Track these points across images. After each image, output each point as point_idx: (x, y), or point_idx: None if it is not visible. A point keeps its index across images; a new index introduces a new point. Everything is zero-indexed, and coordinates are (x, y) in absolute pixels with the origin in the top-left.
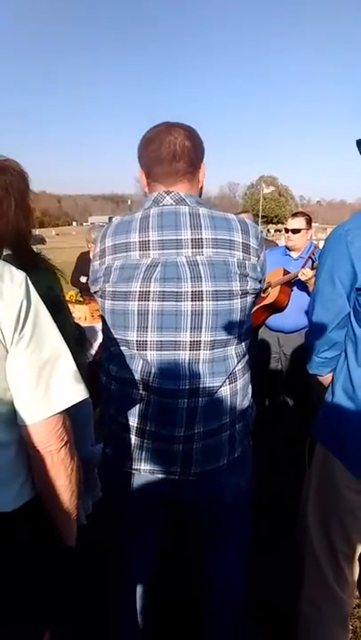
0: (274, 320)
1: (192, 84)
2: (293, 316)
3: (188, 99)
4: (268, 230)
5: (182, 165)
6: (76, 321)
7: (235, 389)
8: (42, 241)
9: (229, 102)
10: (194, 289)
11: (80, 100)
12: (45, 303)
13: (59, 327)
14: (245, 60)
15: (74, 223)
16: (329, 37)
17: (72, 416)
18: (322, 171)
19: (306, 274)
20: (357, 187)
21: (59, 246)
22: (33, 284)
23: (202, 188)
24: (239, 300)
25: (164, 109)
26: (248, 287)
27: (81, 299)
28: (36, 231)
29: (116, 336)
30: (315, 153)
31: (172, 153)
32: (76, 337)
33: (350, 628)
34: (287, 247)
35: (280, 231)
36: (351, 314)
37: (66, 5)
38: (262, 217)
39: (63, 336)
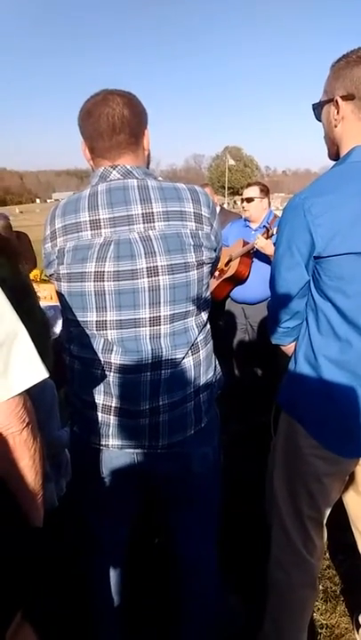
0: (238, 292)
1: (154, 55)
2: (257, 287)
3: (150, 70)
4: (234, 202)
5: (124, 137)
6: (42, 300)
7: (198, 360)
8: (6, 220)
9: (192, 73)
10: (149, 265)
11: (38, 72)
12: (12, 287)
13: (26, 312)
14: (206, 31)
15: (37, 200)
16: (288, 4)
17: (35, 399)
18: (287, 141)
19: (259, 242)
20: (322, 155)
21: (24, 224)
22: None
23: (149, 155)
24: (195, 272)
25: (124, 79)
26: (204, 257)
27: (46, 277)
28: None
29: (75, 317)
30: (280, 123)
31: (111, 126)
32: (43, 321)
33: (321, 588)
34: (246, 218)
35: None
36: (311, 282)
37: None
38: (228, 188)
39: (31, 321)
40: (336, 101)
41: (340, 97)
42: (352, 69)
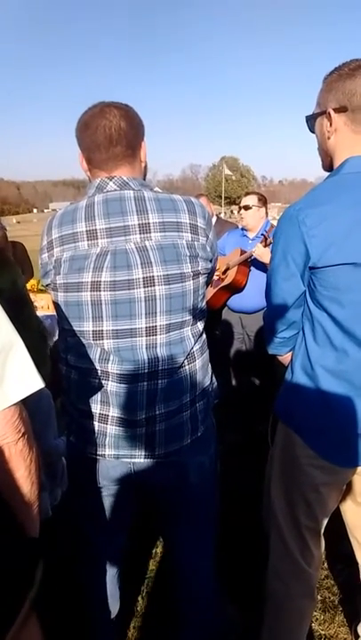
0: (235, 301)
1: (150, 65)
2: (254, 296)
3: (146, 80)
4: (231, 211)
5: (120, 149)
6: (39, 309)
7: (194, 369)
8: (3, 230)
9: (188, 83)
10: (145, 275)
11: (33, 81)
12: (9, 298)
13: (22, 321)
14: (202, 40)
15: (34, 210)
16: (285, 13)
17: (31, 408)
18: (283, 151)
19: (257, 250)
20: (318, 165)
21: (21, 234)
22: None
23: (146, 166)
24: (191, 282)
25: (120, 90)
26: (199, 268)
27: (43, 287)
28: None
29: (71, 327)
30: (276, 133)
31: (108, 138)
32: (40, 331)
33: (320, 598)
34: (243, 228)
35: None
36: (306, 293)
37: None
38: (225, 198)
39: (28, 331)
40: (329, 113)
41: (333, 109)
42: (344, 82)
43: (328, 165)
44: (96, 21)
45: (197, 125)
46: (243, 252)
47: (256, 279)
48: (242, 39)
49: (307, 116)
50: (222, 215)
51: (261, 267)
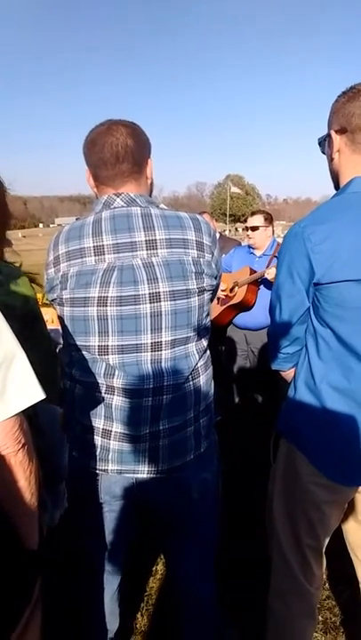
0: (241, 318)
1: (157, 83)
2: (260, 313)
3: (153, 97)
4: (235, 229)
5: (127, 166)
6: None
7: (198, 385)
8: (8, 244)
9: (195, 101)
10: (151, 291)
11: (42, 98)
12: (21, 315)
13: (34, 338)
14: (210, 60)
15: (40, 225)
16: (292, 33)
17: (46, 426)
18: (288, 169)
19: (271, 273)
20: (322, 184)
21: (27, 248)
22: (8, 295)
23: (152, 183)
24: (197, 298)
25: (128, 108)
26: (205, 284)
27: (47, 302)
28: None
29: (76, 342)
30: (281, 152)
31: (114, 155)
32: (51, 349)
33: (321, 619)
34: (250, 246)
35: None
36: (310, 309)
37: None
38: (230, 216)
39: (39, 348)
40: (330, 135)
41: (334, 131)
42: (345, 105)
43: (336, 185)
44: (104, 41)
45: (203, 144)
46: (253, 271)
47: (261, 297)
48: (248, 59)
49: (319, 139)
50: (227, 232)
51: (269, 285)
